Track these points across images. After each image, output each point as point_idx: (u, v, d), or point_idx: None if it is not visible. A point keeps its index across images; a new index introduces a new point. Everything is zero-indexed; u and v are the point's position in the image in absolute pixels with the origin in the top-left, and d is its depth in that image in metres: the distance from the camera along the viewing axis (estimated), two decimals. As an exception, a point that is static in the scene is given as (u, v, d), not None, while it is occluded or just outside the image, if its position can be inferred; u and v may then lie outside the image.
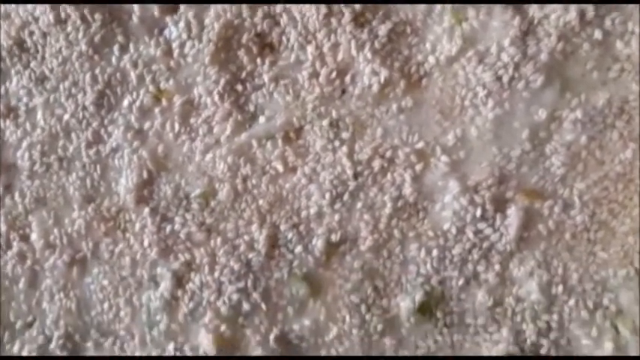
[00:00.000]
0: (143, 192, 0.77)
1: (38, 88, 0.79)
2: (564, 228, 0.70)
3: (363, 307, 0.73)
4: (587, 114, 0.69)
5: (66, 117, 0.78)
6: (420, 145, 0.72)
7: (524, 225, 0.70)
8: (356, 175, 0.73)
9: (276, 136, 0.74)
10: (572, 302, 0.70)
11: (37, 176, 0.79)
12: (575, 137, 0.69)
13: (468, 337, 0.71)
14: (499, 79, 0.70)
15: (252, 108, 0.75)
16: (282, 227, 0.74)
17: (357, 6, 0.72)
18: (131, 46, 0.77)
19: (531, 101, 0.70)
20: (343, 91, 0.73)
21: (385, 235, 0.72)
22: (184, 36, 0.76)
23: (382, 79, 0.72)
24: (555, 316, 0.70)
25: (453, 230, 0.71)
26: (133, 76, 0.77)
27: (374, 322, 0.72)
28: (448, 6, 0.70)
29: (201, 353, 0.75)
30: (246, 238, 0.75)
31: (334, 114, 0.73)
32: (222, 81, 0.75)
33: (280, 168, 0.74)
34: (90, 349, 0.78)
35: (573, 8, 0.68)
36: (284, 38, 0.74)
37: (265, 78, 0.74)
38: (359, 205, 0.73)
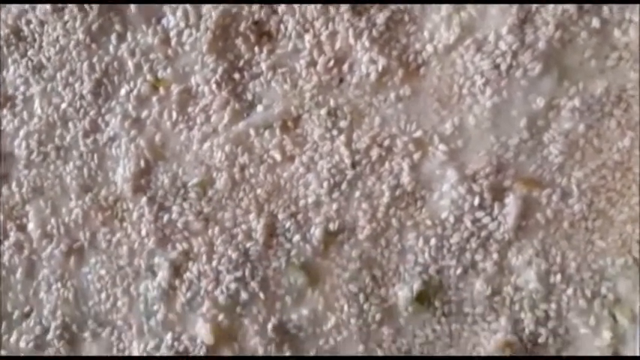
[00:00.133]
0: (140, 181, 0.78)
1: (35, 76, 0.80)
2: (562, 217, 0.71)
3: (361, 297, 0.74)
4: (585, 102, 0.70)
5: (63, 106, 0.80)
6: (418, 133, 0.73)
7: (522, 214, 0.71)
8: (354, 164, 0.74)
9: (274, 125, 0.76)
10: (570, 291, 0.71)
11: (34, 165, 0.80)
12: (573, 126, 0.71)
13: (466, 326, 0.73)
14: (497, 67, 0.71)
15: (249, 97, 0.77)
16: (280, 216, 0.75)
17: (355, -5, 0.73)
18: (129, 34, 0.79)
19: (529, 89, 0.71)
20: (341, 80, 0.75)
21: (383, 224, 0.74)
22: (182, 24, 0.77)
23: (380, 68, 0.73)
24: (553, 305, 0.71)
25: (451, 219, 0.73)
26: (130, 64, 0.78)
27: (372, 311, 0.74)
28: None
29: (198, 343, 0.76)
30: (243, 227, 0.76)
31: (332, 103, 0.75)
32: (220, 69, 0.76)
33: (278, 157, 0.75)
34: (87, 339, 0.79)
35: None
36: (282, 27, 0.76)
37: (263, 66, 0.76)
38: (357, 194, 0.74)
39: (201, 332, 0.76)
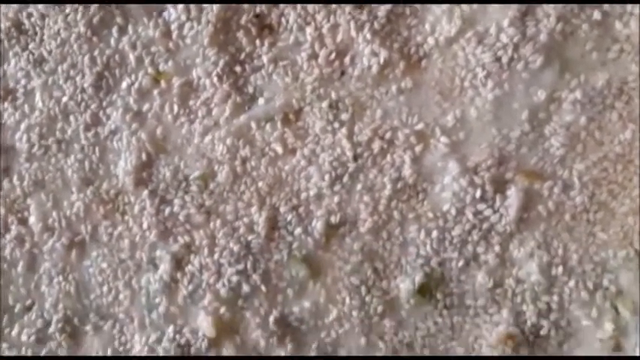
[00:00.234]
0: (142, 174, 0.79)
1: (36, 70, 0.82)
2: (564, 209, 0.72)
3: (362, 289, 0.75)
4: (586, 95, 0.72)
5: (64, 99, 0.81)
6: (420, 126, 0.74)
7: (523, 206, 0.73)
8: (355, 157, 0.75)
9: (276, 117, 0.77)
10: (572, 283, 0.72)
11: (35, 159, 0.82)
12: (575, 118, 0.72)
13: (467, 319, 0.74)
14: (498, 59, 0.73)
15: (251, 90, 0.78)
16: (282, 209, 0.77)
17: (357, -13, 0.75)
18: (130, 27, 0.80)
19: (530, 82, 0.72)
20: (342, 73, 0.76)
21: (385, 216, 0.75)
22: (183, 17, 0.78)
23: (382, 60, 0.75)
24: (555, 297, 0.73)
25: (453, 211, 0.74)
26: (131, 57, 0.80)
27: (374, 303, 0.75)
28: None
29: (200, 336, 0.78)
30: (245, 220, 0.77)
31: (333, 95, 0.76)
32: (221, 62, 0.78)
33: (279, 150, 0.77)
34: (89, 333, 0.80)
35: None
36: (283, 19, 0.77)
37: (264, 59, 0.77)
38: (358, 186, 0.75)
39: (203, 325, 0.78)
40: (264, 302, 0.77)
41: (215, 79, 0.78)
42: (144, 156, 0.79)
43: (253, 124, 0.77)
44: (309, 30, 0.76)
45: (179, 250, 0.79)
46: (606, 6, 0.71)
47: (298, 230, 0.77)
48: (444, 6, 0.74)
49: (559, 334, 0.73)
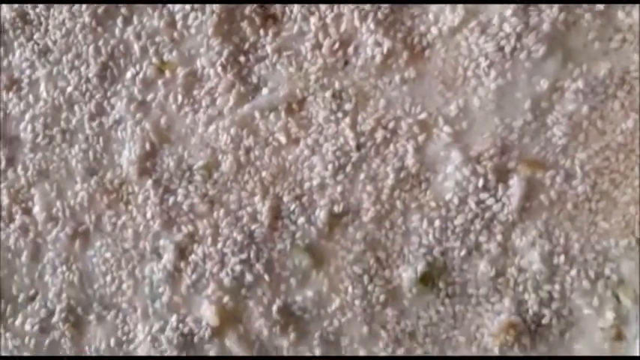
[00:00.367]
0: (146, 164, 0.82)
1: (41, 60, 0.84)
2: (566, 198, 0.74)
3: (365, 278, 0.77)
4: (588, 84, 0.74)
5: (69, 89, 0.83)
6: (423, 115, 0.77)
7: (526, 195, 0.75)
8: (359, 147, 0.78)
9: (279, 107, 0.79)
10: (573, 272, 0.74)
11: (39, 149, 0.84)
12: (577, 107, 0.74)
13: (470, 308, 0.76)
14: (501, 49, 0.75)
15: (255, 79, 0.80)
16: (285, 199, 0.79)
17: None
18: (135, 17, 0.82)
19: (533, 71, 0.74)
20: (346, 63, 0.78)
21: (387, 206, 0.77)
22: (187, 7, 0.81)
23: (385, 50, 0.77)
24: (557, 286, 0.74)
25: (455, 201, 0.76)
26: (136, 47, 0.82)
27: (376, 292, 0.77)
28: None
29: (203, 325, 0.80)
30: (248, 209, 0.79)
31: (337, 85, 0.78)
32: (225, 52, 0.80)
33: (283, 139, 0.79)
34: (92, 322, 0.83)
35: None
36: (287, 9, 0.79)
37: (268, 49, 0.80)
38: (361, 176, 0.78)
39: (207, 314, 0.80)
40: (267, 291, 0.79)
41: (219, 69, 0.80)
42: (148, 146, 0.81)
43: (257, 114, 0.80)
44: (313, 20, 0.78)
45: (183, 240, 0.81)
46: (608, -4, 0.73)
47: (301, 220, 0.79)
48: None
49: (560, 323, 0.75)
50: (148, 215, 0.81)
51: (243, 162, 0.80)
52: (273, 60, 0.80)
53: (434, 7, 0.77)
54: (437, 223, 0.76)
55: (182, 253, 0.81)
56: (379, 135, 0.77)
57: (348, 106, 0.78)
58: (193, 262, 0.81)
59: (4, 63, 0.85)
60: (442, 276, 0.77)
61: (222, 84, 0.80)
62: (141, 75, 0.82)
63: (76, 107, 0.83)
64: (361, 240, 0.78)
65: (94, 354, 0.83)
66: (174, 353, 0.81)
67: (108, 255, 0.83)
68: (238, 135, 0.80)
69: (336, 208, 0.78)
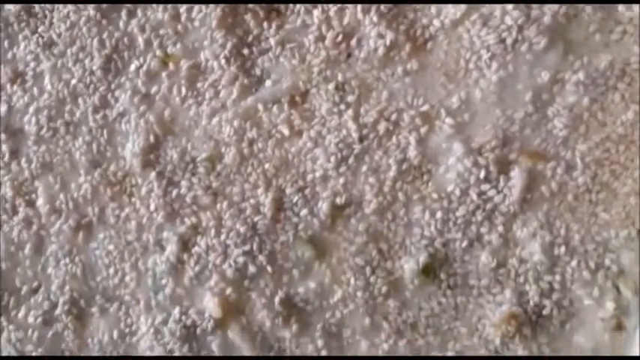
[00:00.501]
0: (149, 156, 0.84)
1: (46, 52, 0.87)
2: (567, 189, 0.77)
3: (367, 270, 0.80)
4: (589, 76, 0.76)
5: (73, 82, 0.86)
6: (425, 107, 0.79)
7: (527, 186, 0.77)
8: (361, 139, 0.80)
9: (282, 99, 0.82)
10: (574, 263, 0.77)
11: (43, 141, 0.87)
12: (578, 99, 0.76)
13: (471, 299, 0.79)
14: (503, 41, 0.77)
15: (258, 72, 0.83)
16: (288, 191, 0.81)
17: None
18: (139, 10, 0.85)
19: (534, 64, 0.77)
20: (349, 55, 0.81)
21: (390, 197, 0.80)
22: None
23: (388, 42, 0.79)
24: (558, 277, 0.77)
25: (457, 192, 0.78)
26: (140, 40, 0.85)
27: (378, 284, 0.80)
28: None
29: (206, 316, 0.82)
30: (252, 201, 0.82)
31: (340, 77, 0.81)
32: (229, 45, 0.83)
33: (286, 132, 0.82)
34: (95, 315, 0.85)
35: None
36: (290, 2, 0.82)
37: (272, 42, 0.82)
38: (364, 168, 0.80)
39: (209, 306, 0.82)
40: (269, 283, 0.82)
41: (223, 62, 0.83)
42: (151, 138, 0.84)
43: (260, 106, 0.82)
44: (316, 12, 0.81)
45: (186, 232, 0.83)
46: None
47: (304, 211, 0.81)
48: (449, -12, 0.78)
49: (561, 314, 0.77)
50: (152, 207, 0.84)
51: (246, 154, 0.82)
52: (276, 52, 0.82)
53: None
54: (439, 214, 0.79)
55: (185, 245, 0.83)
56: (382, 127, 0.80)
57: (350, 98, 0.80)
58: (196, 254, 0.83)
59: (9, 55, 0.87)
60: (444, 267, 0.79)
61: (225, 76, 0.83)
62: (145, 67, 0.84)
63: (80, 100, 0.86)
64: (363, 231, 0.80)
65: (96, 346, 0.85)
66: (177, 345, 0.83)
67: (111, 247, 0.85)
68: (241, 127, 0.82)
69: (339, 200, 0.80)
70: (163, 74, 0.84)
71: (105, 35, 0.85)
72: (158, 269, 0.84)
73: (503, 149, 0.78)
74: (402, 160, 0.79)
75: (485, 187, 0.78)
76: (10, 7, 0.86)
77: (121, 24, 0.85)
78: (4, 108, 0.87)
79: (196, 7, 0.83)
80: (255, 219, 0.82)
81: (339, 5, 0.80)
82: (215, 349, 0.82)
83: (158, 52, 0.84)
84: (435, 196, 0.79)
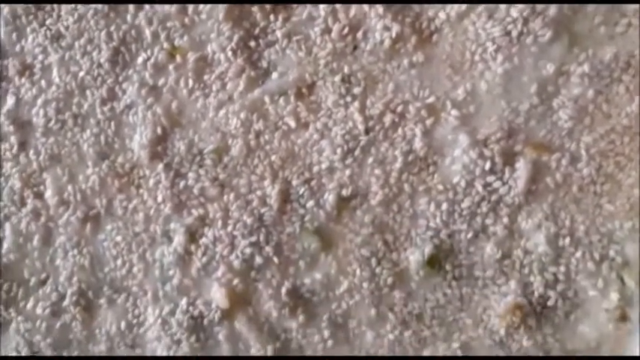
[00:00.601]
0: (157, 148, 0.86)
1: (54, 45, 0.89)
2: (571, 181, 0.79)
3: (373, 261, 0.82)
4: (594, 68, 0.78)
5: (81, 74, 0.88)
6: (431, 99, 0.81)
7: (532, 178, 0.79)
8: (367, 130, 0.82)
9: (289, 92, 0.83)
10: (578, 254, 0.79)
11: (51, 133, 0.89)
12: (583, 91, 0.78)
13: (476, 290, 0.81)
14: (508, 34, 0.79)
15: (265, 64, 0.85)
16: (294, 182, 0.83)
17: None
18: (146, 3, 0.87)
19: (539, 56, 0.79)
20: (355, 47, 0.83)
21: (395, 189, 0.82)
22: (199, -7, 0.85)
23: (394, 35, 0.81)
24: (562, 268, 0.79)
25: (463, 184, 0.80)
26: (147, 33, 0.87)
27: (384, 275, 0.82)
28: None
29: (213, 307, 0.84)
30: (258, 193, 0.84)
31: (346, 69, 0.82)
32: (236, 37, 0.84)
33: (292, 124, 0.83)
34: (103, 306, 0.87)
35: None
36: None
37: (278, 34, 0.84)
38: (370, 160, 0.82)
39: (217, 297, 0.84)
40: (276, 274, 0.84)
41: (230, 54, 0.85)
42: (159, 130, 0.86)
43: (267, 99, 0.84)
44: (322, 5, 0.83)
45: (193, 223, 0.85)
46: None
47: (310, 203, 0.83)
48: (455, -19, 0.80)
49: (566, 305, 0.79)
50: (159, 199, 0.86)
51: (253, 146, 0.84)
52: (283, 45, 0.84)
53: (442, -8, 0.81)
54: (444, 206, 0.81)
55: (192, 236, 0.85)
56: (387, 119, 0.81)
57: (356, 90, 0.82)
58: (204, 245, 0.85)
59: (17, 48, 0.89)
60: (449, 258, 0.81)
61: (232, 69, 0.85)
62: (152, 60, 0.86)
63: (88, 92, 0.88)
64: (369, 223, 0.82)
65: (104, 337, 0.87)
66: (185, 336, 0.85)
67: (119, 239, 0.87)
68: (248, 119, 0.84)
69: (345, 192, 0.82)
70: (170, 67, 0.86)
71: (112, 28, 0.87)
72: (165, 260, 0.86)
73: (508, 141, 0.79)
74: (408, 152, 0.81)
75: (490, 178, 0.79)
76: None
77: (129, 17, 0.87)
78: (12, 100, 0.89)
79: (203, -1, 0.85)
80: (262, 210, 0.84)
81: (345, -1, 0.81)
82: (222, 339, 0.84)
83: (165, 45, 0.86)
84: (440, 187, 0.81)
